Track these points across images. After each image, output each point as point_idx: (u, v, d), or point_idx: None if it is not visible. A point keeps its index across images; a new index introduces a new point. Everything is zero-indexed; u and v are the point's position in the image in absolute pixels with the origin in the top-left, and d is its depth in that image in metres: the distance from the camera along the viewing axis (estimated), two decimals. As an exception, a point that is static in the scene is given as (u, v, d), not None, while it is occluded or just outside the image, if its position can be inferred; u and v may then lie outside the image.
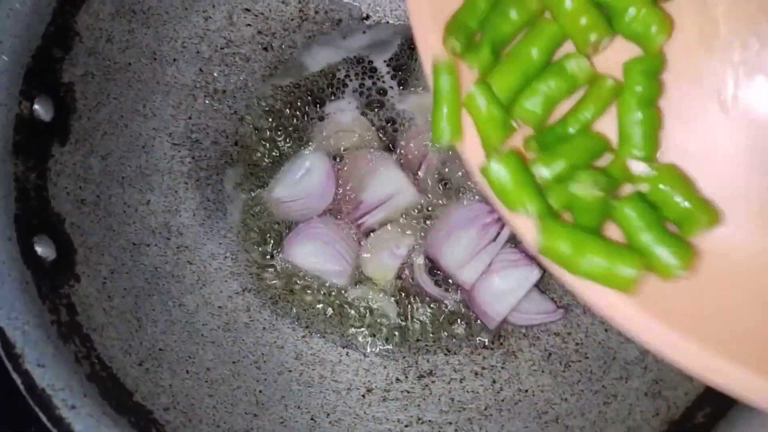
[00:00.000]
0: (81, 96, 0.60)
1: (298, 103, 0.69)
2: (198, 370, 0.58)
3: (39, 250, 0.54)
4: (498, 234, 0.62)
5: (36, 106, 0.56)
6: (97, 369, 0.52)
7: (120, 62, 0.63)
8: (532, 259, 0.62)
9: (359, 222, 0.65)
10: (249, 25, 0.69)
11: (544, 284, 0.63)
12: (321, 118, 0.68)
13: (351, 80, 0.69)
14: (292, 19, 0.70)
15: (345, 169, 0.67)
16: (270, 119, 0.69)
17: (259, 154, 0.69)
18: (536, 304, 0.60)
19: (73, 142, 0.60)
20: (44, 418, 0.47)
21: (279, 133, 0.69)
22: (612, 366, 0.56)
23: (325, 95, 0.69)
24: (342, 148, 0.67)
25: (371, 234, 0.65)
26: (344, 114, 0.68)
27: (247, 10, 0.69)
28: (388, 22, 0.70)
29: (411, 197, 0.65)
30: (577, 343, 0.59)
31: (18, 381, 0.47)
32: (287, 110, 0.69)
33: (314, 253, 0.63)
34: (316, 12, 0.70)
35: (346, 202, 0.66)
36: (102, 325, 0.56)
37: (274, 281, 0.65)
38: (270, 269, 0.66)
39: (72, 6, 0.58)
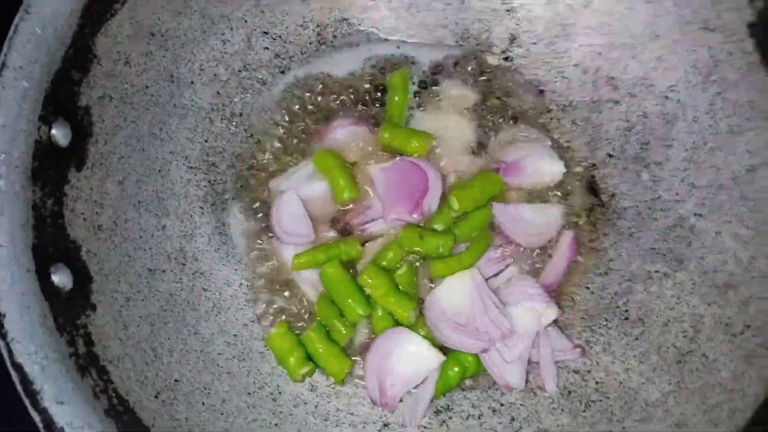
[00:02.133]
0: (98, 119, 0.59)
1: (311, 123, 0.68)
2: (213, 401, 0.57)
3: (56, 279, 0.53)
4: (500, 272, 0.62)
5: (54, 131, 0.55)
6: (115, 403, 0.51)
7: (137, 85, 0.62)
8: (552, 295, 0.62)
9: (363, 227, 0.64)
10: (267, 48, 0.69)
11: (562, 322, 0.62)
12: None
13: (363, 96, 0.69)
14: (310, 43, 0.70)
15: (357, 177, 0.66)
16: (285, 141, 0.68)
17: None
18: (554, 342, 0.60)
19: (89, 166, 0.59)
20: (63, 458, 0.46)
21: (295, 156, 0.68)
22: (633, 407, 0.56)
23: (331, 111, 0.68)
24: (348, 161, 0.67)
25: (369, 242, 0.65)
26: (341, 129, 0.67)
27: (265, 33, 0.68)
28: (404, 41, 0.70)
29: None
30: (597, 382, 0.59)
31: (36, 419, 0.46)
32: (300, 130, 0.68)
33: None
34: (334, 36, 0.70)
35: (354, 208, 0.65)
36: (118, 357, 0.55)
37: (289, 308, 0.64)
38: (284, 296, 0.65)
39: (92, 28, 0.58)
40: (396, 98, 0.67)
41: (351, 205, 0.66)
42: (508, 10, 0.68)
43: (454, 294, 0.60)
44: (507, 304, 0.60)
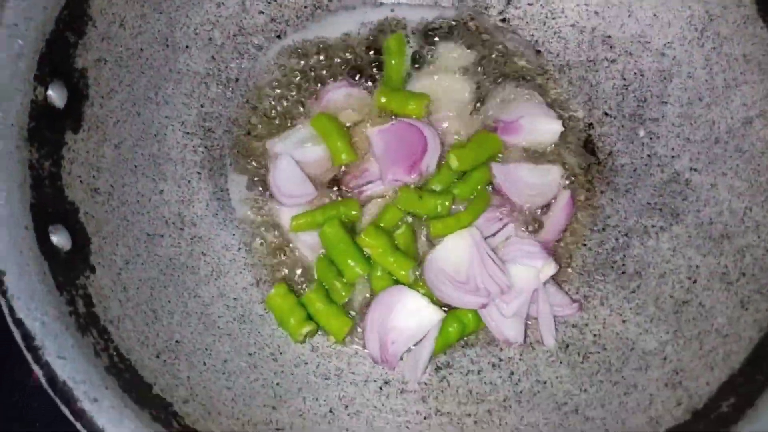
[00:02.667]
0: (94, 82, 0.59)
1: (307, 88, 0.68)
2: (215, 362, 0.58)
3: (55, 239, 0.52)
4: (498, 230, 0.63)
5: (50, 92, 0.55)
6: (116, 361, 0.51)
7: (132, 48, 0.62)
8: (550, 252, 0.62)
9: (361, 189, 0.64)
10: (262, 12, 0.68)
11: (560, 278, 0.63)
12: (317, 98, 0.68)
13: (359, 60, 0.68)
14: (305, 7, 0.69)
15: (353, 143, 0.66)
16: (281, 106, 0.68)
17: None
18: (552, 297, 0.61)
19: (86, 129, 0.58)
20: (66, 411, 0.46)
21: (292, 121, 0.68)
22: (630, 357, 0.57)
23: (328, 75, 0.68)
24: (346, 124, 0.66)
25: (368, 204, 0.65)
26: (338, 92, 0.67)
27: (260, -4, 0.68)
28: (399, 3, 0.69)
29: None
30: (594, 335, 0.60)
31: (39, 373, 0.46)
32: (297, 95, 0.68)
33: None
34: (330, 0, 0.69)
35: (351, 170, 0.65)
36: (118, 317, 0.55)
37: (288, 272, 0.65)
38: (283, 259, 0.65)
39: (86, -10, 0.57)
40: (393, 62, 0.67)
41: (349, 167, 0.66)
42: (503, -28, 0.68)
43: (454, 252, 0.61)
44: (506, 261, 0.61)
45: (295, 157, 0.65)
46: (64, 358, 0.47)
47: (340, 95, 0.68)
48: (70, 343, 0.48)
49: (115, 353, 0.52)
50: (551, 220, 0.63)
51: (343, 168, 0.66)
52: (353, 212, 0.63)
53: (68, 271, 0.53)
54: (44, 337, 0.47)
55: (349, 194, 0.65)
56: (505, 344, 0.60)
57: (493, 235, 0.63)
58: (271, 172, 0.65)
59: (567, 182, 0.65)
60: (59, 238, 0.53)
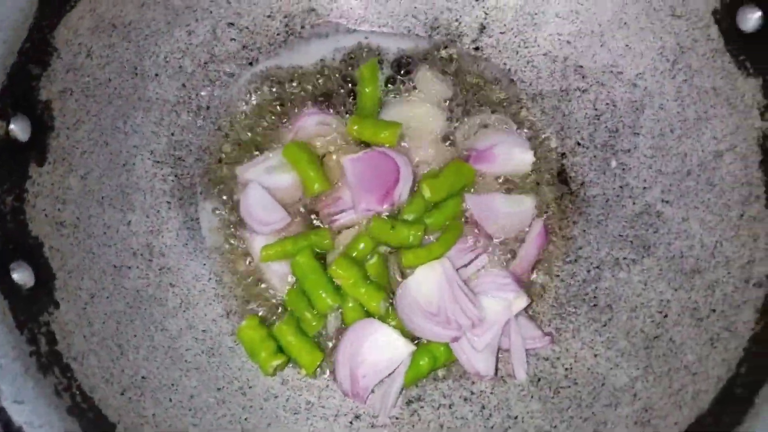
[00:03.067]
0: (59, 114, 0.58)
1: (280, 115, 0.68)
2: (182, 398, 0.57)
3: (16, 277, 0.52)
4: (471, 261, 0.62)
5: (12, 126, 0.54)
6: (79, 401, 0.51)
7: (100, 78, 0.61)
8: (522, 284, 0.62)
9: (334, 218, 0.64)
10: (233, 39, 0.68)
11: (532, 310, 0.62)
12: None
13: (332, 88, 0.68)
14: (277, 34, 0.69)
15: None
16: (253, 133, 0.67)
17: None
18: (524, 330, 0.60)
19: (51, 161, 0.57)
20: (23, 457, 0.45)
21: (264, 149, 0.67)
22: (601, 393, 0.56)
23: (300, 102, 0.68)
24: (318, 153, 0.66)
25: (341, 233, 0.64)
26: (310, 119, 0.67)
27: (232, 24, 0.67)
28: (373, 31, 0.69)
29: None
30: (566, 369, 0.59)
31: (-5, 418, 0.45)
32: (270, 123, 0.68)
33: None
34: (302, 27, 0.69)
35: (324, 199, 0.65)
36: (83, 353, 0.54)
37: (258, 303, 0.64)
38: (254, 290, 0.64)
39: (50, 21, 0.56)
40: (366, 90, 0.67)
41: (322, 196, 0.65)
42: (477, 0, 0.68)
43: (425, 284, 0.60)
44: (478, 293, 0.60)
45: (265, 184, 0.64)
46: (22, 402, 0.46)
47: (312, 123, 0.67)
48: (30, 385, 0.47)
49: (78, 392, 0.51)
50: (523, 250, 0.63)
51: (316, 197, 0.65)
52: (325, 242, 0.63)
53: (30, 308, 0.52)
54: (1, 381, 0.46)
55: (322, 223, 0.65)
56: (476, 378, 0.60)
57: (466, 265, 0.63)
58: (242, 200, 0.64)
59: (540, 212, 0.64)
60: (21, 275, 0.52)
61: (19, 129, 0.54)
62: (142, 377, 0.57)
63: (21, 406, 0.46)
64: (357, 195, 0.63)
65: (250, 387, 0.60)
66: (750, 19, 0.54)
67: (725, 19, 0.56)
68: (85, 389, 0.52)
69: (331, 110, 0.68)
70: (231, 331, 0.62)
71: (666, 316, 0.57)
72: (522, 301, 0.59)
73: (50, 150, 0.57)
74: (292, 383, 0.61)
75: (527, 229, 0.64)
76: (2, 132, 0.53)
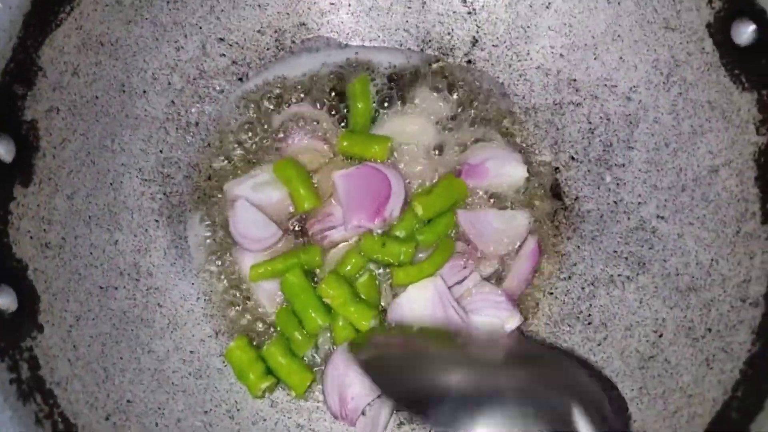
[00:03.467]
0: (45, 133, 0.58)
1: (270, 131, 0.67)
2: (168, 422, 0.56)
3: (-2, 301, 0.51)
4: (463, 279, 0.61)
5: (-5, 148, 0.53)
6: (60, 429, 0.50)
7: (86, 96, 0.60)
8: (515, 302, 0.60)
9: (324, 234, 0.63)
10: (223, 55, 0.67)
11: (526, 328, 0.61)
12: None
13: (323, 103, 0.67)
14: (268, 49, 0.68)
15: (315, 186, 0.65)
16: (243, 150, 0.67)
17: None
18: None
19: (36, 182, 0.57)
20: (1, 488, 0.44)
21: (254, 165, 0.66)
22: (596, 415, 0.55)
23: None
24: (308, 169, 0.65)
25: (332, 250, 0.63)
26: (300, 135, 0.66)
27: (221, 39, 0.67)
28: (364, 46, 0.68)
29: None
30: (560, 390, 0.58)
31: (-28, 449, 0.45)
32: (260, 139, 0.67)
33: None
34: (293, 42, 0.68)
35: (314, 215, 0.64)
36: (67, 378, 0.53)
37: (248, 323, 0.63)
38: (243, 310, 0.63)
39: (34, 41, 0.56)
40: (359, 105, 0.66)
41: (312, 212, 0.64)
42: (469, 13, 0.67)
43: (417, 302, 0.59)
44: (470, 311, 0.59)
45: (254, 201, 0.63)
46: (-1, 433, 0.45)
47: (303, 138, 0.66)
48: (8, 415, 0.46)
49: (60, 419, 0.51)
50: (517, 267, 0.62)
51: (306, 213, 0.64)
52: (315, 259, 0.62)
53: (12, 333, 0.51)
54: (-21, 410, 0.45)
55: (312, 240, 0.64)
56: None
57: (459, 283, 0.62)
58: (230, 218, 0.64)
59: (533, 227, 0.63)
60: (3, 300, 0.51)
61: (2, 150, 0.54)
62: (128, 401, 0.56)
63: (-1, 435, 0.45)
64: (348, 211, 0.63)
65: (238, 410, 0.59)
66: (744, 32, 0.53)
67: (719, 32, 0.55)
68: (68, 416, 0.51)
69: (323, 125, 0.67)
70: (219, 352, 0.61)
71: (661, 335, 0.56)
72: (515, 320, 0.58)
73: (36, 170, 0.57)
74: (282, 406, 0.60)
75: (519, 245, 0.63)
76: (-15, 154, 0.52)
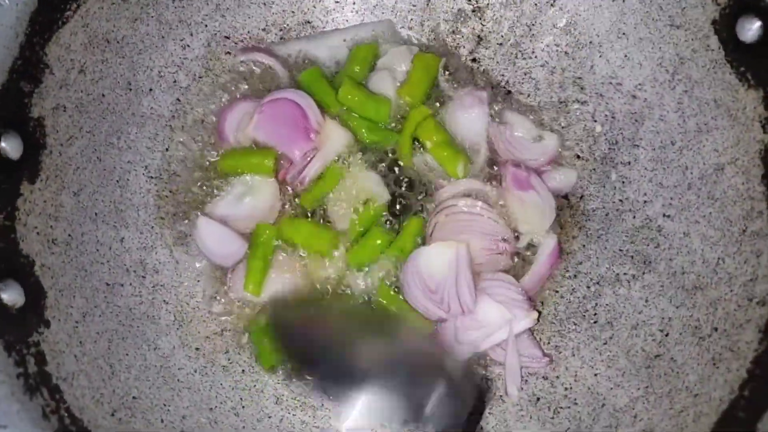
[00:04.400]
0: (52, 130, 0.58)
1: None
2: (173, 418, 0.56)
3: (5, 297, 0.51)
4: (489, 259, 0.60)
5: (3, 144, 0.54)
6: (67, 423, 0.50)
7: (93, 94, 0.61)
8: (532, 303, 0.60)
9: (301, 178, 0.63)
10: (229, 53, 0.67)
11: (532, 327, 0.61)
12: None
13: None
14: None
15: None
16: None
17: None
18: (524, 348, 0.59)
19: (43, 179, 0.57)
20: (7, 483, 0.45)
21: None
22: (601, 414, 0.55)
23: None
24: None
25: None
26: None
27: (227, 37, 0.67)
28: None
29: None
30: (565, 388, 0.58)
31: (-21, 443, 0.45)
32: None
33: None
34: (298, 39, 0.68)
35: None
36: (73, 374, 0.53)
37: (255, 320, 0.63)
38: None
39: (41, 38, 0.56)
40: (356, 68, 0.65)
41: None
42: (473, 11, 0.67)
43: (436, 260, 0.59)
44: (488, 294, 0.59)
45: (241, 212, 0.63)
46: (5, 427, 0.45)
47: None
48: (15, 408, 0.46)
49: (66, 414, 0.51)
50: (535, 267, 0.61)
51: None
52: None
53: (19, 328, 0.51)
54: (-14, 404, 0.46)
55: (296, 189, 0.63)
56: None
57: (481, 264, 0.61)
58: (195, 239, 0.62)
59: (554, 227, 0.62)
60: (10, 295, 0.51)
61: (10, 147, 0.54)
62: (133, 397, 0.56)
63: (5, 430, 0.45)
64: (286, 148, 0.63)
65: (243, 407, 0.59)
66: (750, 29, 0.52)
67: (725, 29, 0.55)
68: (74, 411, 0.51)
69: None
70: (225, 348, 0.61)
71: (667, 334, 0.56)
72: (530, 320, 0.57)
73: (42, 167, 0.57)
74: (286, 403, 0.60)
75: (539, 246, 0.62)
76: (-8, 150, 0.53)
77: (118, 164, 0.62)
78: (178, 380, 0.58)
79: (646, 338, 0.56)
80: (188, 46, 0.66)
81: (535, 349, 0.59)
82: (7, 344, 0.49)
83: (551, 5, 0.65)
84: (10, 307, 0.51)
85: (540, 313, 0.61)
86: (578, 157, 0.64)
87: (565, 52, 0.65)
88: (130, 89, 0.63)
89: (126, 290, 0.60)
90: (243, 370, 0.61)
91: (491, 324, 0.58)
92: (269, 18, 0.68)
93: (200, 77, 0.66)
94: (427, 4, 0.68)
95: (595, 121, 0.64)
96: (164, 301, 0.61)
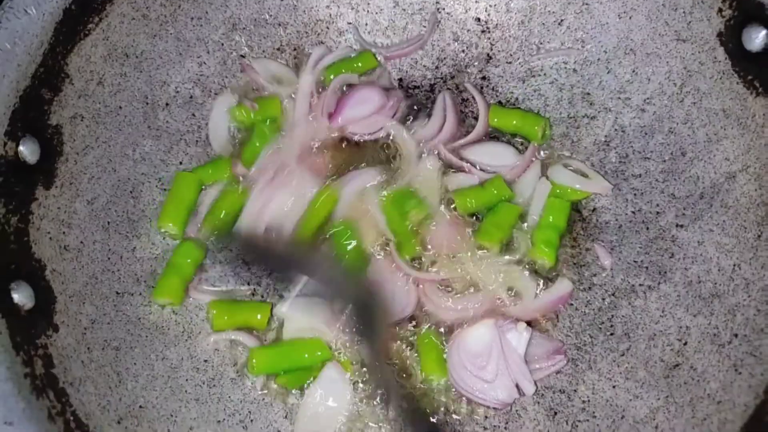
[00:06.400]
0: (69, 139, 0.59)
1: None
2: (180, 429, 0.55)
3: (16, 297, 0.51)
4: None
5: (21, 148, 0.54)
6: (72, 427, 0.49)
7: (111, 105, 0.62)
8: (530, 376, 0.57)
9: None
10: (244, 71, 0.69)
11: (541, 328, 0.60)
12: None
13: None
14: (287, 66, 0.70)
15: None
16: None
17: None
18: (536, 349, 0.57)
19: (58, 185, 0.57)
20: (10, 483, 0.43)
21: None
22: (621, 426, 0.53)
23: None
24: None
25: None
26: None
27: (242, 56, 0.69)
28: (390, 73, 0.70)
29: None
30: (583, 401, 0.56)
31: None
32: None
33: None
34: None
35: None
36: (80, 379, 0.52)
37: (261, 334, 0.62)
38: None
39: (64, 48, 0.58)
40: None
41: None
42: (483, 31, 0.69)
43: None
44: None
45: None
46: (11, 424, 0.44)
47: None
48: (21, 406, 0.45)
49: (72, 418, 0.50)
50: (542, 299, 0.60)
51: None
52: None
53: (28, 330, 0.51)
54: (-8, 400, 0.45)
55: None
56: (501, 406, 0.57)
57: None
58: None
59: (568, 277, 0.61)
60: (20, 296, 0.51)
61: (27, 151, 0.55)
62: (140, 406, 0.55)
63: (10, 427, 0.44)
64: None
65: (251, 420, 0.58)
66: (756, 38, 0.54)
67: (730, 40, 0.56)
68: (80, 415, 0.50)
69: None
70: (234, 361, 0.60)
71: (686, 343, 0.54)
72: (527, 390, 0.56)
73: (58, 174, 0.58)
74: (295, 416, 0.59)
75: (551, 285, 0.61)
76: (11, 153, 0.53)
77: (132, 175, 0.63)
78: (186, 391, 0.57)
79: (664, 348, 0.55)
80: (204, 63, 0.67)
81: (548, 344, 0.57)
82: (16, 344, 0.48)
83: (559, 24, 0.66)
84: (20, 307, 0.51)
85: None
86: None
87: (574, 69, 0.66)
88: (147, 103, 0.64)
89: (136, 300, 0.59)
90: (252, 383, 0.59)
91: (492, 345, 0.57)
92: (284, 38, 0.69)
93: (215, 94, 0.68)
94: (437, 25, 0.70)
95: (605, 135, 0.65)
96: (173, 311, 0.61)
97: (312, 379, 0.58)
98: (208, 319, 0.60)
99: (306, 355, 0.58)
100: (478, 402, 0.57)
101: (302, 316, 0.59)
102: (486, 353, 0.56)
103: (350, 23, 0.70)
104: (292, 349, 0.58)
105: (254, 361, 0.58)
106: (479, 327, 0.57)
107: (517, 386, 0.56)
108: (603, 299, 0.60)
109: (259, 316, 0.60)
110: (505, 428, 0.57)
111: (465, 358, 0.56)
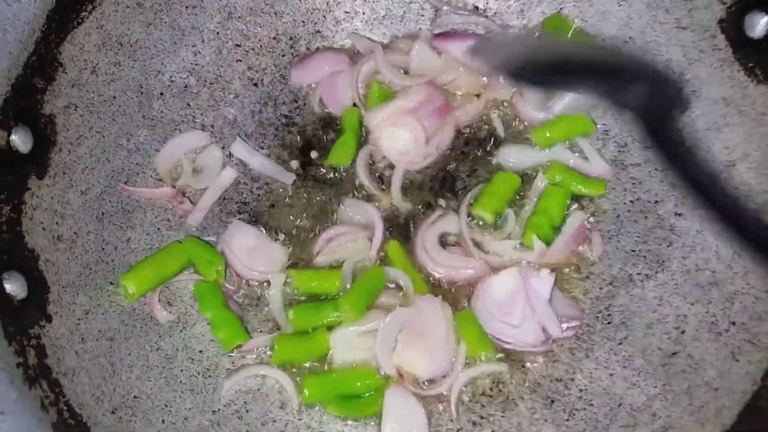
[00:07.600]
0: (62, 128, 0.58)
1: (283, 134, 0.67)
2: (174, 419, 0.54)
3: (8, 287, 0.51)
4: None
5: (13, 137, 0.54)
6: (66, 417, 0.48)
7: (104, 95, 0.61)
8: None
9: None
10: (239, 60, 0.68)
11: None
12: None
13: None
14: (283, 56, 0.69)
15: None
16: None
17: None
18: (556, 306, 0.57)
19: (52, 175, 0.57)
20: (2, 472, 0.43)
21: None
22: (618, 414, 0.53)
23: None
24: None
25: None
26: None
27: (238, 45, 0.68)
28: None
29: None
30: (580, 390, 0.56)
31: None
32: (273, 142, 0.67)
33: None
34: (308, 48, 0.69)
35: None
36: (73, 369, 0.52)
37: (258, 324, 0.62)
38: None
39: (57, 36, 0.57)
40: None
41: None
42: (482, 19, 0.68)
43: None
44: None
45: None
46: (2, 413, 0.44)
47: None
48: (13, 396, 0.45)
49: (65, 408, 0.49)
50: (561, 238, 0.60)
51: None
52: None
53: (21, 319, 0.50)
54: (-16, 389, 0.44)
55: None
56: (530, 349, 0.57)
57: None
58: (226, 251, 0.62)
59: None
60: (13, 286, 0.51)
61: (20, 140, 0.54)
62: (135, 397, 0.54)
63: (2, 416, 0.44)
64: None
65: (246, 411, 0.57)
66: (757, 25, 0.53)
67: (731, 27, 0.56)
68: (74, 405, 0.50)
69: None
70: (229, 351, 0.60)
71: (683, 331, 0.54)
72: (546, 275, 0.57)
73: (51, 164, 0.57)
74: (291, 407, 0.58)
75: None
76: (3, 142, 0.53)
77: (126, 165, 0.62)
78: (181, 382, 0.57)
79: (662, 337, 0.55)
80: (200, 52, 0.67)
81: (570, 304, 0.58)
82: (8, 333, 0.48)
83: (558, 12, 0.66)
84: (13, 297, 0.50)
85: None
86: (587, 159, 0.64)
87: (572, 58, 0.65)
88: (142, 92, 0.64)
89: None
90: (247, 374, 0.59)
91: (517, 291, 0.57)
92: (280, 27, 0.69)
93: (210, 83, 0.67)
94: (436, 13, 0.69)
95: (604, 124, 0.64)
96: (168, 302, 0.60)
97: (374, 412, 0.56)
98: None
99: (358, 384, 0.56)
100: (507, 348, 0.57)
101: (352, 344, 0.57)
102: (511, 300, 0.57)
103: (347, 12, 0.70)
104: (344, 377, 0.57)
105: (306, 391, 0.56)
106: (504, 275, 0.58)
107: (543, 330, 0.56)
108: (600, 288, 0.60)
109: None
110: (502, 416, 0.57)
111: (491, 307, 0.57)
